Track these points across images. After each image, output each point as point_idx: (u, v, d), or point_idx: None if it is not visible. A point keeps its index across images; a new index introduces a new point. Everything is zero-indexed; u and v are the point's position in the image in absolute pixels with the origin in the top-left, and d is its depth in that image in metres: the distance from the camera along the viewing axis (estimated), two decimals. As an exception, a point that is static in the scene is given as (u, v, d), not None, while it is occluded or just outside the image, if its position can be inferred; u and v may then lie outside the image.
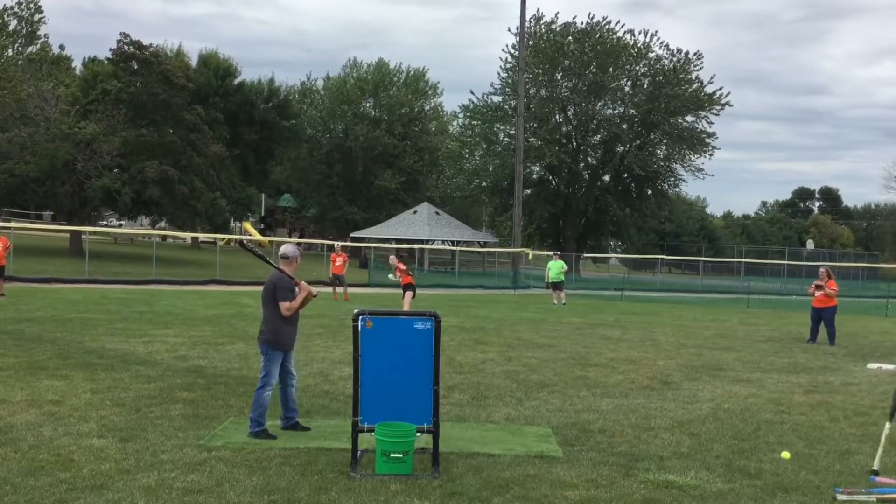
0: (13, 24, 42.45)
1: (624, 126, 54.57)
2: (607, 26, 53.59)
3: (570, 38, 53.23)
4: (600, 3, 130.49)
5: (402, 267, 20.25)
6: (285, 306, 7.27)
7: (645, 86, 54.53)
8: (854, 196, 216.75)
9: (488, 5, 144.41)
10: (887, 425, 6.54)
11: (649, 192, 58.41)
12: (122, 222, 63.74)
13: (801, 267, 48.34)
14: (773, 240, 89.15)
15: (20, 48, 43.76)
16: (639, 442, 7.63)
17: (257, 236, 9.63)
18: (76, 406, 8.19)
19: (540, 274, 35.99)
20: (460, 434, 7.59)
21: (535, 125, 54.03)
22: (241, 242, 7.90)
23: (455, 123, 68.43)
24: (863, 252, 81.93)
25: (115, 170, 38.47)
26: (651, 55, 54.30)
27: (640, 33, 56.12)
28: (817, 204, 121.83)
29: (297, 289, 7.36)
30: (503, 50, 76.74)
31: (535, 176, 57.99)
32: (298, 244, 8.33)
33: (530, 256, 44.14)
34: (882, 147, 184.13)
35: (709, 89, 53.87)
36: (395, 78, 67.54)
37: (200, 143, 41.13)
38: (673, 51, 54.06)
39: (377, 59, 68.61)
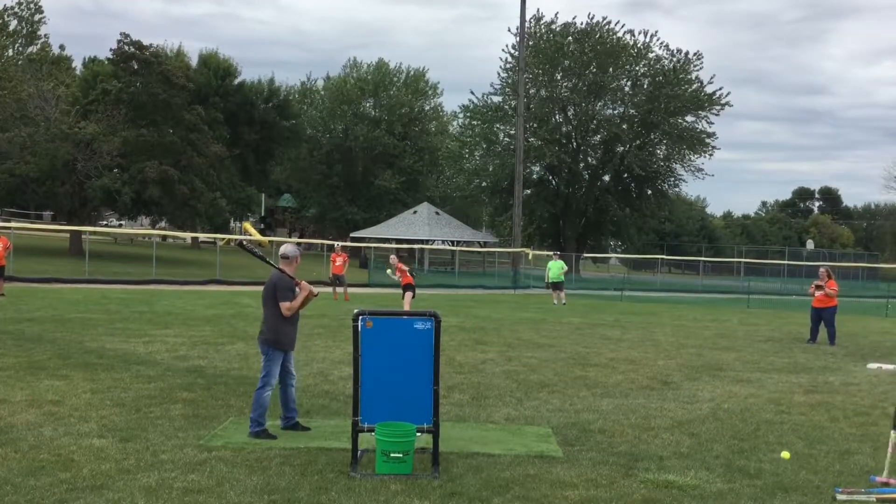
0: (13, 24, 42.47)
1: (624, 126, 54.58)
2: (607, 26, 53.63)
3: (570, 38, 53.23)
4: (600, 3, 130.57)
5: (403, 267, 20.24)
6: (286, 306, 7.27)
7: (645, 86, 54.53)
8: (854, 196, 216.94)
9: (488, 5, 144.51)
10: (893, 434, 6.52)
11: (649, 192, 58.41)
12: (122, 222, 63.74)
13: (801, 267, 48.34)
14: (773, 240, 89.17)
15: (20, 48, 43.79)
16: (639, 442, 7.63)
17: (257, 236, 9.63)
18: (76, 406, 8.19)
19: (540, 274, 35.99)
20: (460, 434, 7.59)
21: (535, 125, 54.03)
22: (240, 243, 7.89)
23: (455, 123, 68.49)
24: (863, 252, 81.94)
25: (115, 170, 38.47)
26: (651, 55, 54.33)
27: (640, 33, 56.23)
28: (817, 204, 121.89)
29: (297, 289, 7.36)
30: (503, 50, 76.86)
31: (535, 176, 57.99)
32: (298, 244, 8.32)
33: (530, 256, 44.15)
34: (882, 147, 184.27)
35: (709, 89, 53.93)
36: (395, 78, 67.55)
37: (200, 143, 41.14)
38: (673, 51, 54.14)
39: (377, 59, 68.73)
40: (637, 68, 54.51)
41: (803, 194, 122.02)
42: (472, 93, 69.99)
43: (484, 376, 11.01)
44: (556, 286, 27.47)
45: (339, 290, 25.31)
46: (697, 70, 54.00)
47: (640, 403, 9.48)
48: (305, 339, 13.12)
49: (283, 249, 7.53)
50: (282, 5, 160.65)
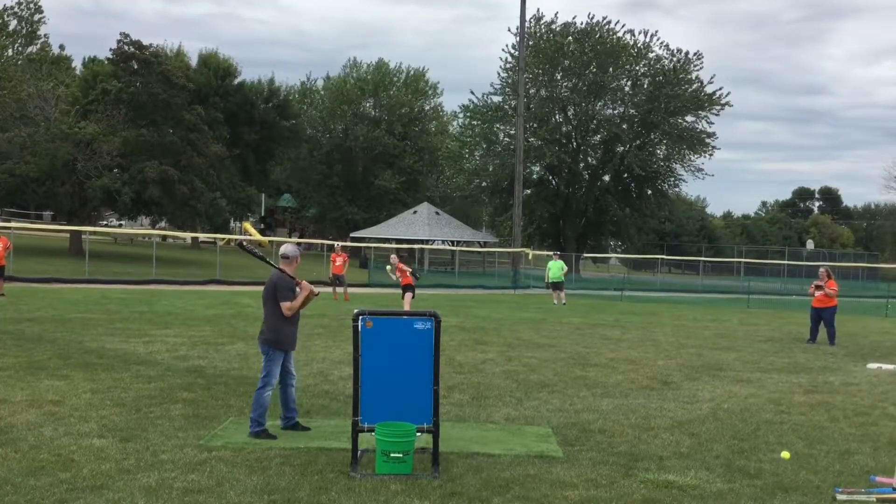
0: (13, 24, 42.44)
1: (624, 126, 54.57)
2: (607, 26, 53.63)
3: (570, 38, 53.24)
4: (600, 3, 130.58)
5: (403, 267, 20.20)
6: (286, 306, 7.27)
7: (645, 86, 54.54)
8: (854, 196, 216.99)
9: (488, 5, 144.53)
10: None
11: (649, 192, 58.42)
12: (122, 222, 63.75)
13: (801, 267, 48.35)
14: (773, 240, 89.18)
15: (20, 48, 43.75)
16: (639, 442, 7.63)
17: (257, 236, 9.63)
18: (76, 406, 8.19)
19: (540, 274, 36.00)
20: (460, 434, 7.59)
21: (535, 125, 54.03)
22: (240, 244, 7.89)
23: (455, 123, 68.49)
24: (863, 252, 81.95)
25: (115, 170, 38.48)
26: (651, 55, 54.34)
27: (640, 33, 56.21)
28: (817, 204, 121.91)
29: (297, 288, 7.36)
30: (503, 50, 76.84)
31: (535, 176, 58.00)
32: (298, 244, 8.31)
33: (530, 256, 44.16)
34: (882, 147, 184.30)
35: (709, 89, 53.94)
36: (395, 78, 67.56)
37: (200, 143, 41.14)
38: (673, 51, 54.15)
39: (377, 59, 68.72)
40: (637, 68, 54.51)
41: (803, 194, 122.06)
42: (472, 93, 70.09)
43: (484, 376, 11.01)
44: (556, 286, 27.48)
45: (339, 290, 25.30)
46: (697, 70, 54.09)
47: (640, 403, 9.48)
48: (305, 339, 13.12)
49: (283, 249, 7.53)
50: (282, 5, 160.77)
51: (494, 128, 57.05)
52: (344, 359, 11.64)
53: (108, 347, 12.30)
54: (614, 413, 8.88)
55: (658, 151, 57.05)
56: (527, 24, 47.34)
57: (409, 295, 19.84)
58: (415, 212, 55.43)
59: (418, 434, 6.39)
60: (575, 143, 56.35)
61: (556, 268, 27.51)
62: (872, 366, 13.57)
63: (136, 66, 39.60)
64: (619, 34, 53.75)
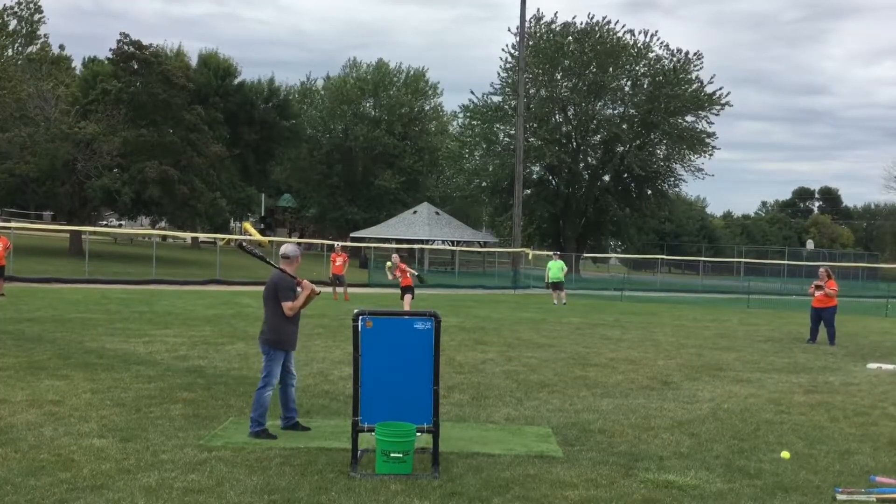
0: (13, 24, 42.44)
1: (624, 126, 54.58)
2: (607, 26, 53.65)
3: (570, 38, 53.25)
4: (600, 3, 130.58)
5: (405, 267, 20.01)
6: (288, 306, 7.27)
7: (645, 86, 54.55)
8: (854, 196, 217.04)
9: (488, 5, 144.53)
10: None
11: (649, 192, 58.43)
12: (122, 222, 63.76)
13: (801, 267, 48.35)
14: (773, 240, 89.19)
15: (20, 48, 43.76)
16: (639, 442, 7.63)
17: (257, 236, 9.63)
18: (76, 406, 8.19)
19: (540, 274, 36.00)
20: (460, 434, 7.59)
21: (535, 125, 54.04)
22: (240, 244, 7.88)
23: (455, 123, 68.50)
24: (863, 252, 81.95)
25: (115, 170, 38.48)
26: (651, 55, 54.34)
27: (640, 33, 56.23)
28: (817, 204, 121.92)
29: (299, 288, 7.36)
30: (503, 50, 76.76)
31: (535, 176, 58.00)
32: (299, 244, 8.30)
33: (530, 256, 44.16)
34: (882, 147, 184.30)
35: (709, 89, 53.96)
36: (394, 78, 67.55)
37: (200, 143, 41.14)
38: (673, 51, 54.16)
39: (377, 60, 68.73)
40: (637, 68, 54.52)
41: (803, 194, 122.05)
42: (472, 93, 70.09)
43: (484, 376, 11.01)
44: (556, 286, 27.48)
45: (339, 290, 25.30)
46: (697, 70, 54.10)
47: (640, 403, 9.48)
48: (305, 339, 13.12)
49: (283, 249, 7.53)
50: (282, 5, 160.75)
51: (494, 128, 57.06)
52: (344, 359, 11.64)
53: (108, 347, 12.30)
54: (614, 413, 8.88)
55: (658, 151, 57.07)
56: (527, 24, 47.36)
57: (408, 296, 19.68)
58: (415, 212, 55.43)
59: (418, 434, 6.38)
60: (575, 143, 56.35)
61: (556, 268, 27.52)
62: (872, 366, 13.57)
63: (136, 66, 39.60)
64: (619, 34, 53.82)
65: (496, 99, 56.10)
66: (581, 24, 53.70)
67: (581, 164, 57.43)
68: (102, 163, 37.25)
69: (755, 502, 5.98)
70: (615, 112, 56.26)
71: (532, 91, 53.94)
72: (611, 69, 52.92)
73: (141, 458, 6.43)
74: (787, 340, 17.48)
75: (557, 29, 53.60)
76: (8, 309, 17.24)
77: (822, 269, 17.50)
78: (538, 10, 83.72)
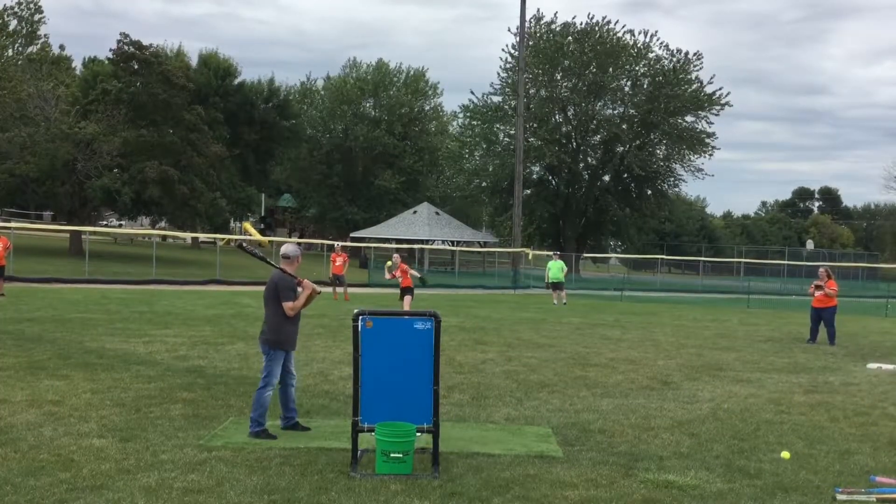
0: (13, 24, 42.46)
1: (624, 126, 54.58)
2: (607, 26, 53.65)
3: (570, 38, 53.26)
4: (600, 2, 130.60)
5: (406, 268, 19.67)
6: (289, 306, 7.27)
7: (645, 86, 54.55)
8: (854, 196, 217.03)
9: (488, 5, 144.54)
10: None
11: (649, 192, 58.43)
12: (122, 222, 63.76)
13: (801, 267, 48.35)
14: (773, 240, 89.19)
15: (20, 48, 43.78)
16: (639, 442, 7.63)
17: (257, 236, 9.63)
18: (76, 406, 8.19)
19: (540, 274, 35.99)
20: (460, 434, 7.59)
21: (535, 125, 54.04)
22: (239, 245, 7.88)
23: (455, 123, 68.51)
24: (863, 252, 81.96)
25: (115, 170, 38.49)
26: (651, 55, 54.35)
27: (639, 33, 56.29)
28: (817, 204, 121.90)
29: (299, 288, 7.36)
30: (503, 50, 76.80)
31: (535, 176, 58.01)
32: (299, 244, 8.30)
33: (530, 256, 44.15)
34: (882, 147, 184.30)
35: (709, 89, 53.96)
36: (394, 78, 67.56)
37: (200, 143, 41.14)
38: (673, 51, 54.17)
39: (377, 60, 68.76)
40: (637, 68, 54.52)
41: (803, 194, 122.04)
42: (472, 93, 70.09)
43: (484, 376, 11.01)
44: (556, 286, 27.48)
45: (339, 290, 25.31)
46: (697, 70, 54.11)
47: (640, 403, 9.48)
48: (305, 339, 13.12)
49: (284, 249, 7.53)
50: (282, 5, 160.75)
51: (494, 128, 57.07)
52: (344, 359, 11.64)
53: (108, 347, 12.30)
54: (614, 413, 8.88)
55: (658, 151, 57.08)
56: (527, 24, 47.36)
57: (408, 297, 19.34)
58: (415, 212, 55.43)
59: (418, 434, 6.38)
60: (575, 143, 56.35)
61: (556, 268, 27.51)
62: (872, 366, 13.57)
63: (136, 66, 39.61)
64: (619, 34, 53.83)
65: (496, 99, 56.18)
66: (581, 24, 53.79)
67: (581, 164, 57.43)
68: (102, 163, 37.26)
69: (755, 502, 5.98)
70: (615, 112, 56.28)
71: (532, 91, 53.94)
72: (611, 69, 52.92)
73: (141, 458, 6.43)
74: (787, 340, 17.48)
75: (557, 29, 53.61)
76: (8, 309, 17.24)
77: (821, 270, 17.50)
78: (538, 10, 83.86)
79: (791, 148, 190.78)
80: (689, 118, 55.00)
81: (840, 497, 6.04)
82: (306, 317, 13.57)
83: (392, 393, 6.44)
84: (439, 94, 77.48)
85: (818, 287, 17.07)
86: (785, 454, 7.20)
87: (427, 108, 70.30)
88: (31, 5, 42.92)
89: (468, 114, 57.93)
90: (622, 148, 55.75)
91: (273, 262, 7.56)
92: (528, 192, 54.55)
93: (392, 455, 6.22)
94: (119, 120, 38.37)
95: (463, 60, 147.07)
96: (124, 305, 19.57)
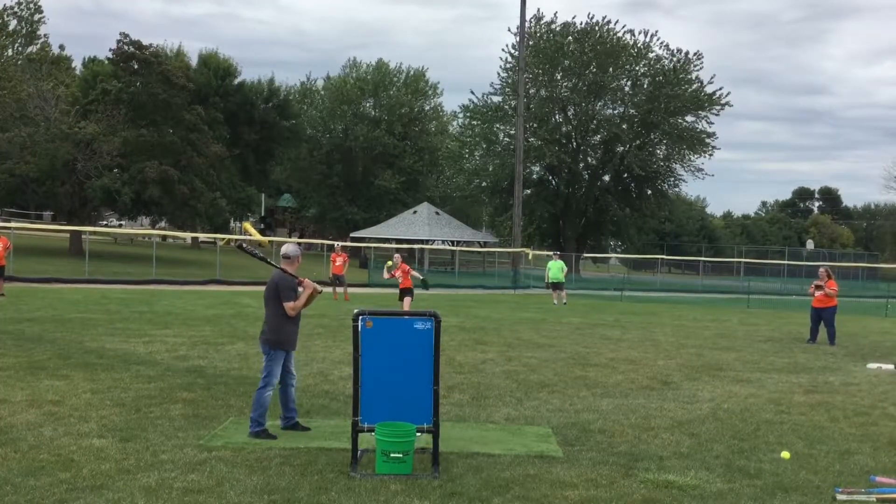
0: (13, 24, 42.44)
1: (624, 126, 54.58)
2: (607, 26, 53.65)
3: (570, 38, 53.26)
4: (600, 2, 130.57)
5: (407, 269, 19.23)
6: (290, 306, 7.27)
7: (645, 86, 54.55)
8: (854, 196, 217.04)
9: (488, 5, 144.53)
10: None
11: (649, 192, 58.43)
12: (122, 222, 63.76)
13: (801, 267, 48.36)
14: (773, 240, 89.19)
15: (20, 48, 43.75)
16: (639, 442, 7.63)
17: (257, 236, 9.63)
18: (76, 406, 8.19)
19: (540, 274, 36.00)
20: (460, 434, 7.59)
21: (535, 125, 54.04)
22: (239, 245, 7.88)
23: (455, 123, 68.51)
24: (863, 252, 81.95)
25: (115, 170, 38.49)
26: (651, 55, 54.35)
27: (639, 33, 56.26)
28: (817, 204, 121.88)
29: (300, 287, 7.35)
30: (503, 50, 76.77)
31: (535, 176, 58.01)
32: (299, 244, 8.29)
33: (530, 256, 44.15)
34: (882, 147, 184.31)
35: (709, 89, 53.96)
36: (394, 78, 67.55)
37: (200, 143, 41.14)
38: (673, 51, 54.17)
39: (377, 60, 68.74)
40: (637, 68, 54.52)
41: (803, 194, 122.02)
42: (472, 93, 70.08)
43: (484, 376, 11.00)
44: (556, 286, 27.48)
45: (339, 290, 25.31)
46: (697, 70, 54.10)
47: (640, 403, 9.48)
48: (305, 339, 13.12)
49: (284, 249, 7.53)
50: (282, 5, 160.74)
51: (494, 128, 57.07)
52: (344, 359, 11.64)
53: (108, 347, 12.30)
54: (614, 413, 8.88)
55: (658, 151, 57.08)
56: (527, 24, 47.36)
57: (408, 299, 18.85)
58: (415, 212, 55.43)
59: (418, 434, 6.38)
60: (575, 143, 56.35)
61: (556, 268, 27.51)
62: (872, 366, 13.57)
63: (136, 66, 39.61)
64: (619, 34, 53.82)
65: (496, 99, 56.18)
66: (581, 24, 53.78)
67: (581, 164, 57.43)
68: (102, 163, 37.26)
69: (755, 502, 5.98)
70: (615, 112, 56.28)
71: (532, 91, 53.94)
72: (611, 69, 52.92)
73: (141, 458, 6.43)
74: (787, 340, 17.48)
75: (557, 29, 53.61)
76: (8, 309, 17.24)
77: (822, 269, 17.50)
78: (538, 10, 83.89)
79: (791, 148, 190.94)
80: (689, 118, 55.02)
81: (840, 497, 6.04)
82: (306, 317, 13.57)
83: (392, 393, 6.44)
84: (439, 94, 77.58)
85: (818, 287, 17.07)
86: (785, 454, 7.20)
87: (427, 108, 70.31)
88: (31, 5, 42.90)
89: (468, 114, 57.94)
90: (622, 148, 55.75)
91: (273, 263, 7.56)
92: (528, 192, 54.55)
93: (392, 455, 6.22)
94: (119, 120, 38.37)
95: (463, 60, 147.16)
96: (124, 305, 19.57)
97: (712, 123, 55.34)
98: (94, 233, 45.00)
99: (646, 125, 54.66)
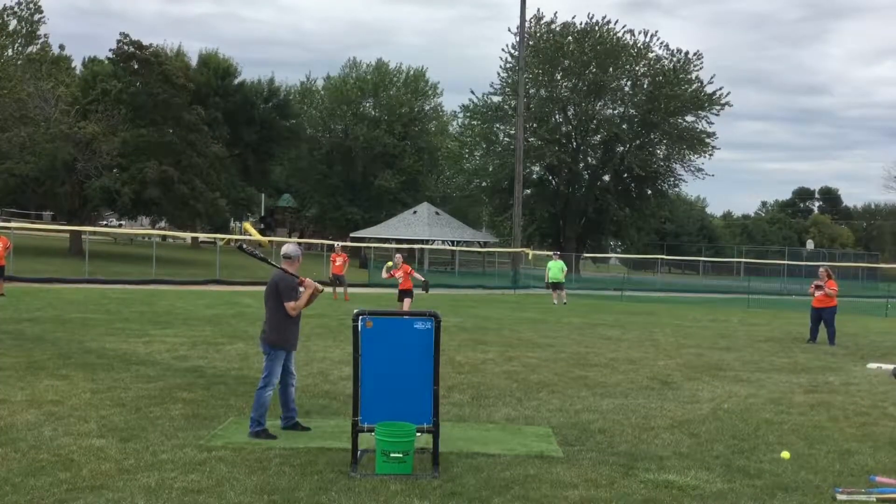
0: (13, 24, 42.38)
1: (624, 126, 54.59)
2: (607, 26, 53.65)
3: (570, 37, 53.25)
4: (600, 2, 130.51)
5: (409, 269, 18.91)
6: (291, 306, 7.27)
7: (645, 86, 54.54)
8: (854, 196, 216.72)
9: (488, 5, 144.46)
10: None
11: (649, 192, 58.44)
12: (122, 222, 63.75)
13: (801, 267, 48.36)
14: (773, 240, 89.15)
15: (20, 48, 43.68)
16: (639, 442, 7.63)
17: (257, 236, 9.64)
18: (76, 406, 8.19)
19: (540, 274, 35.99)
20: (460, 434, 7.59)
21: (535, 125, 54.03)
22: (239, 245, 7.88)
23: (455, 123, 68.49)
24: (863, 252, 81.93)
25: (115, 170, 38.48)
26: (651, 55, 54.32)
27: (639, 33, 56.20)
28: (817, 204, 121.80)
29: (301, 287, 7.35)
30: (503, 50, 76.67)
31: (535, 176, 58.01)
32: (299, 244, 8.30)
33: (530, 256, 44.15)
34: (882, 147, 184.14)
35: (709, 89, 53.93)
36: (394, 78, 67.53)
37: (200, 143, 41.13)
38: (673, 51, 54.15)
39: (377, 60, 68.69)
40: (637, 68, 54.51)
41: (803, 194, 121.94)
42: (472, 93, 69.90)
43: (484, 376, 11.01)
44: (556, 286, 27.48)
45: (339, 290, 25.31)
46: (697, 70, 54.08)
47: (640, 403, 9.48)
48: (305, 339, 13.11)
49: (285, 249, 7.53)
50: (282, 5, 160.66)
51: (494, 128, 57.07)
52: (344, 359, 11.64)
53: (108, 347, 12.30)
54: (614, 413, 8.88)
55: (658, 151, 57.06)
56: (527, 24, 47.35)
57: (408, 300, 18.60)
58: (415, 212, 55.43)
59: (418, 434, 6.38)
60: (575, 143, 56.35)
61: (555, 268, 27.51)
62: (872, 366, 13.56)
63: (136, 66, 39.59)
64: (619, 34, 53.79)
65: (496, 99, 56.14)
66: (581, 24, 53.76)
67: (581, 164, 57.43)
68: (102, 163, 37.24)
69: (755, 502, 5.98)
70: (615, 112, 56.27)
71: (532, 91, 53.93)
72: (611, 69, 52.91)
73: (141, 458, 6.43)
74: (787, 340, 17.48)
75: (557, 29, 53.59)
76: (8, 309, 17.23)
77: (822, 269, 17.50)
78: (538, 10, 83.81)
79: (791, 148, 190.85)
80: (689, 118, 55.00)
81: (840, 497, 6.04)
82: (306, 317, 13.57)
83: (392, 393, 6.44)
84: (439, 94, 77.48)
85: (818, 287, 17.07)
86: (785, 454, 7.20)
87: (427, 108, 70.28)
88: (31, 5, 42.79)
89: (468, 114, 57.94)
90: (622, 148, 55.75)
91: (273, 263, 7.57)
92: (528, 192, 54.55)
93: (392, 455, 6.22)
94: (119, 120, 38.36)
95: (463, 60, 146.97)
96: (124, 305, 19.57)
97: (712, 123, 55.40)
98: (94, 233, 44.98)
99: (646, 125, 54.66)
